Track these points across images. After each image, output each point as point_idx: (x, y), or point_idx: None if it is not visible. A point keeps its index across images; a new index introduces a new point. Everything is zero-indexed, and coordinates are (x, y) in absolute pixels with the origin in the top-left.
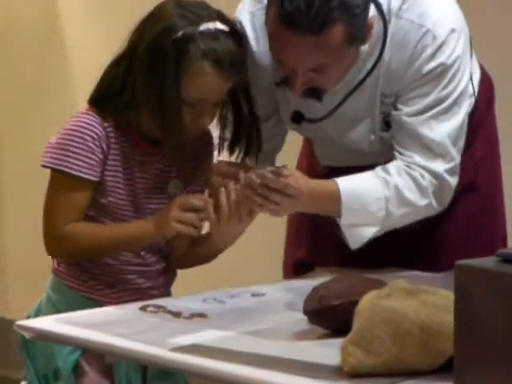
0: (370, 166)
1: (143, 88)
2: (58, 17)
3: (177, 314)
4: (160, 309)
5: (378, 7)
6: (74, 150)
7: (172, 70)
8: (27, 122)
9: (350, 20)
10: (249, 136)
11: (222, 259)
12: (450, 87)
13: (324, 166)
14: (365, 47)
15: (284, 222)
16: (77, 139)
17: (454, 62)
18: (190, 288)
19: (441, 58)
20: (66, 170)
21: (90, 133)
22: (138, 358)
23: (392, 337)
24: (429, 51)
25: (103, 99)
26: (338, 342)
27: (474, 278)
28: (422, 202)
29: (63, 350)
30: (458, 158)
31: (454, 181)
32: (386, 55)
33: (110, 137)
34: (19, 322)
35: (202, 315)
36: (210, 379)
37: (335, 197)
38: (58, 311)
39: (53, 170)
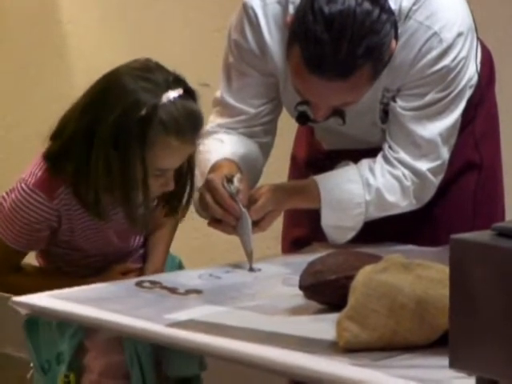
0: (372, 150)
1: (106, 164)
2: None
3: (172, 290)
4: (156, 284)
5: (391, 11)
6: (18, 228)
7: (137, 147)
8: (23, 98)
9: (375, 61)
10: (182, 193)
11: (220, 235)
12: (449, 89)
13: (327, 150)
14: None
15: None
16: (23, 220)
17: (458, 64)
18: (187, 263)
19: (445, 61)
20: (7, 243)
21: (35, 215)
22: (133, 334)
23: (387, 311)
24: (434, 54)
25: (60, 161)
26: (333, 316)
27: (469, 252)
28: (403, 202)
29: (65, 333)
30: (446, 157)
31: (437, 180)
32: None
33: (63, 204)
34: (15, 298)
35: (198, 291)
36: (205, 354)
37: (315, 201)
38: None
39: None
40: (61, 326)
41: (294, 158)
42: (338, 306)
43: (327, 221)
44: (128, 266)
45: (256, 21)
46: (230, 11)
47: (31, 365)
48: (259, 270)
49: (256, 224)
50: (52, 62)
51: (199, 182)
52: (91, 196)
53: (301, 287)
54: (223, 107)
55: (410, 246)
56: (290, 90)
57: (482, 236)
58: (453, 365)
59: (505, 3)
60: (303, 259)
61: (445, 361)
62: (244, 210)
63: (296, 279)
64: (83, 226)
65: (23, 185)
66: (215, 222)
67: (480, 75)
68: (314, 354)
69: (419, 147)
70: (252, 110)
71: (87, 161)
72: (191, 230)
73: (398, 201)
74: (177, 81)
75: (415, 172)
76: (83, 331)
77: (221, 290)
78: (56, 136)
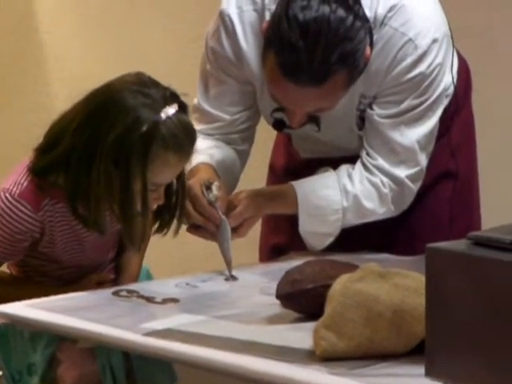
0: (350, 158)
1: (106, 180)
2: (32, 3)
3: (150, 299)
4: (133, 293)
5: (366, 18)
6: (1, 238)
7: (138, 163)
8: (1, 107)
9: (350, 67)
10: (174, 208)
11: (196, 244)
12: (426, 95)
13: (304, 158)
14: None
15: None
16: (6, 230)
17: (433, 70)
18: (164, 272)
19: (420, 68)
20: None
21: (18, 226)
22: (110, 343)
23: (364, 320)
24: (409, 60)
25: (49, 174)
26: (310, 325)
27: (445, 260)
28: (381, 209)
29: (38, 344)
30: (424, 163)
31: (415, 187)
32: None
33: (47, 216)
34: None
35: (175, 300)
36: (183, 364)
37: (293, 207)
38: None
39: None
40: (33, 337)
41: (272, 167)
42: (315, 315)
43: (305, 227)
44: (103, 275)
45: (232, 28)
46: (208, 21)
47: (0, 373)
48: (236, 278)
49: (234, 230)
50: (30, 71)
51: None
52: (91, 210)
53: (278, 296)
54: (200, 114)
55: (386, 255)
56: (267, 97)
57: (458, 245)
58: (429, 373)
59: (481, 13)
60: (280, 268)
61: (421, 369)
62: (223, 217)
63: (273, 288)
64: (64, 238)
65: (7, 195)
66: (194, 228)
67: (456, 85)
68: (291, 362)
69: (397, 154)
70: (229, 117)
71: (87, 176)
72: (167, 239)
73: (376, 208)
74: (172, 96)
75: (393, 179)
76: (56, 342)
77: (198, 299)
78: (46, 150)
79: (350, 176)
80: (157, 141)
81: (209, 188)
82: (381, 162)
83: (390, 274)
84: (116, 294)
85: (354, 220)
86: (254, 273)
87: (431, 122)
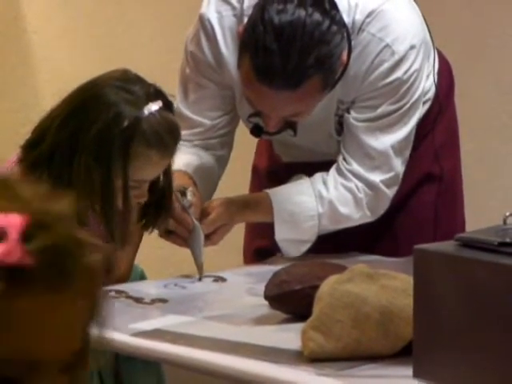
0: (330, 162)
1: (87, 175)
2: (20, 3)
3: (138, 300)
4: (121, 294)
5: (343, 23)
6: None
7: (119, 158)
8: None
9: (326, 72)
10: (159, 206)
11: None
12: (402, 101)
13: (286, 162)
14: None
15: None
16: None
17: (410, 76)
18: (153, 273)
19: (397, 74)
20: None
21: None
22: (99, 343)
23: (352, 321)
24: (386, 66)
25: (35, 169)
26: (298, 326)
27: (433, 262)
28: (357, 214)
29: None
30: (400, 169)
31: (390, 192)
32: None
33: None
34: None
35: (163, 300)
36: (171, 364)
37: (268, 215)
38: None
39: None
40: None
41: (255, 169)
42: (302, 316)
43: (280, 234)
44: None
45: (212, 33)
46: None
47: None
48: (224, 279)
49: (207, 237)
50: (18, 71)
51: None
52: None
53: (266, 297)
54: (179, 119)
55: (374, 257)
56: (245, 101)
57: (446, 246)
58: (416, 375)
59: (464, 15)
60: (268, 269)
61: (409, 371)
62: (196, 222)
63: (261, 289)
64: None
65: None
66: (166, 233)
67: (438, 87)
68: (279, 363)
69: (372, 159)
70: (208, 122)
71: (68, 172)
72: (156, 240)
73: (352, 213)
74: (156, 93)
75: (368, 184)
76: None
77: (186, 300)
78: (32, 146)
79: (324, 182)
80: (138, 137)
81: (183, 194)
82: (355, 166)
83: (378, 275)
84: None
85: (330, 226)
86: (242, 274)
87: (406, 128)
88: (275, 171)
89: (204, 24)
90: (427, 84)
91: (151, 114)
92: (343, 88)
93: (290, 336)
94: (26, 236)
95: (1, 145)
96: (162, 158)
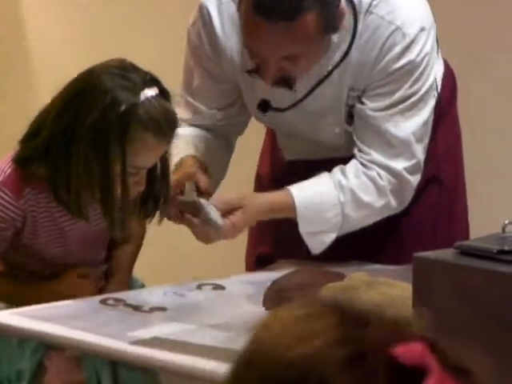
0: (334, 160)
1: (85, 163)
2: (19, 9)
3: (137, 308)
4: (120, 302)
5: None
6: None
7: (117, 145)
8: None
9: (322, 8)
10: (157, 195)
11: (184, 253)
12: (417, 85)
13: (288, 161)
14: (334, 38)
15: None
16: None
17: (423, 59)
18: (151, 281)
19: (409, 56)
20: None
21: (2, 214)
22: (97, 351)
23: None
24: (397, 49)
25: (31, 163)
26: None
27: (432, 270)
28: (380, 202)
29: (26, 350)
30: (421, 156)
31: (414, 179)
32: (355, 50)
33: (29, 205)
34: None
35: (162, 308)
36: (169, 372)
37: (290, 209)
38: None
39: None
40: (21, 343)
41: (258, 177)
42: None
43: (305, 227)
44: (84, 269)
45: (209, 19)
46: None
47: None
48: (223, 287)
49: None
50: (16, 76)
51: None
52: (72, 196)
53: (265, 305)
54: (185, 104)
55: (375, 265)
56: (250, 85)
57: (445, 254)
58: None
59: (469, 22)
60: (267, 277)
61: None
62: (202, 201)
63: (260, 297)
64: (46, 229)
65: None
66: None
67: (440, 92)
68: None
69: (393, 147)
70: (211, 110)
71: (66, 161)
72: (155, 248)
73: (375, 201)
74: (153, 80)
75: (391, 172)
76: (43, 349)
77: (185, 308)
78: (29, 139)
79: (343, 172)
80: (135, 122)
81: (181, 192)
82: (376, 156)
83: (377, 283)
84: (103, 302)
85: (353, 214)
86: (241, 282)
87: (425, 113)
88: (277, 176)
89: (202, 12)
90: (434, 85)
91: (147, 99)
92: (354, 74)
93: None
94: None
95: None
96: (159, 143)
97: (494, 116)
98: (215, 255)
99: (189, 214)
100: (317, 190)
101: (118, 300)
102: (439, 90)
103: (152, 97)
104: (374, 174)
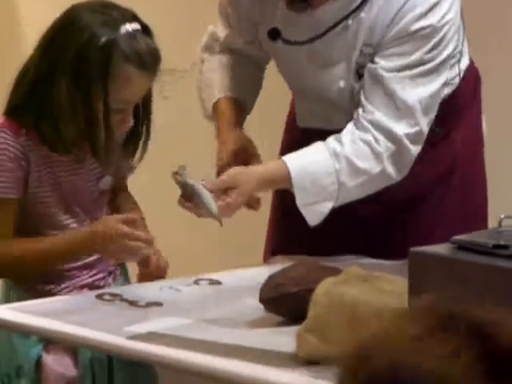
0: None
1: (69, 99)
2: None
3: (133, 303)
4: (116, 297)
5: None
6: None
7: (99, 79)
8: None
9: None
10: (138, 136)
11: (180, 247)
12: (434, 52)
13: (302, 130)
14: None
15: (243, 212)
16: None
17: (443, 26)
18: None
19: (431, 19)
20: None
21: (6, 153)
22: (94, 346)
23: (347, 323)
24: (419, 10)
25: (20, 110)
26: (293, 329)
27: (428, 264)
28: (376, 168)
29: (25, 345)
30: (425, 127)
31: (414, 149)
32: (375, 6)
33: (30, 150)
34: None
35: (158, 303)
36: (166, 367)
37: (286, 179)
38: None
39: None
40: (20, 338)
41: (281, 153)
42: (298, 319)
43: (302, 199)
44: (128, 215)
45: None
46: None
47: None
48: (219, 282)
49: (219, 198)
50: (11, 64)
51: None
52: (58, 133)
53: (261, 300)
54: (222, 18)
55: (370, 259)
56: (266, 13)
57: (441, 249)
58: None
59: (498, 25)
60: (263, 272)
61: None
62: (197, 185)
63: (256, 292)
64: (48, 180)
65: None
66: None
67: (462, 84)
68: (274, 366)
69: (398, 109)
70: (243, 39)
71: (50, 99)
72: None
73: (371, 167)
74: (134, 17)
75: (390, 136)
76: (43, 344)
77: (181, 303)
78: (16, 86)
79: (338, 139)
80: (116, 54)
81: (178, 173)
82: (378, 115)
83: (372, 277)
84: (99, 297)
85: (350, 182)
86: (237, 277)
87: (435, 85)
88: (294, 148)
89: None
90: (451, 58)
91: (129, 33)
92: (370, 29)
93: (285, 339)
94: None
95: None
96: (142, 76)
97: (492, 115)
98: (211, 250)
99: (184, 195)
100: (312, 160)
101: (114, 295)
102: (462, 77)
103: (134, 31)
104: (370, 138)
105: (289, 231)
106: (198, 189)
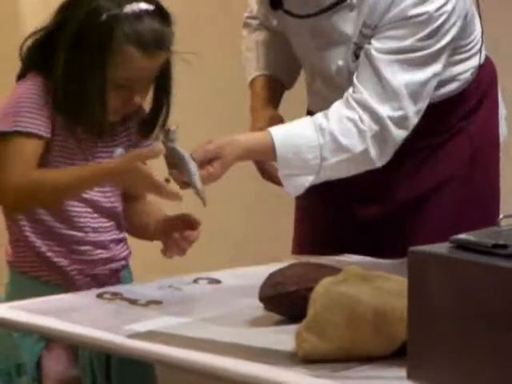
0: None
1: (65, 68)
2: (17, 3)
3: (133, 301)
4: (116, 296)
5: None
6: (26, 109)
7: (97, 53)
8: None
9: None
10: (157, 114)
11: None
12: (428, 41)
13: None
14: None
15: (242, 212)
16: (25, 99)
17: (440, 16)
18: (148, 274)
19: (428, 7)
20: (19, 129)
21: (33, 91)
22: (93, 345)
23: (346, 322)
24: None
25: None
26: (293, 328)
27: (428, 263)
28: (359, 147)
29: (25, 344)
30: (410, 114)
31: (398, 133)
32: None
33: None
34: None
35: (158, 302)
36: (165, 365)
37: (270, 149)
38: None
39: (5, 133)
40: (21, 336)
41: None
42: (297, 318)
43: (284, 169)
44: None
45: None
46: None
47: None
48: (219, 281)
49: (203, 169)
50: (14, 71)
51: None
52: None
53: (261, 299)
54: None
55: (369, 259)
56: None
57: (440, 248)
58: (411, 376)
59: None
60: (263, 271)
61: (403, 372)
62: (184, 153)
63: (256, 291)
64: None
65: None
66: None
67: (480, 78)
68: (273, 364)
69: (384, 91)
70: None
71: (47, 70)
72: (154, 244)
73: (354, 144)
74: None
75: (374, 117)
76: (44, 341)
77: (181, 302)
78: (27, 55)
79: (325, 115)
80: (118, 31)
81: (167, 134)
82: (365, 95)
83: (372, 276)
84: (100, 296)
85: (331, 158)
86: (236, 276)
87: (423, 74)
88: None
89: None
90: (461, 67)
91: (135, 13)
92: (370, 10)
93: (284, 337)
94: None
95: None
96: (141, 58)
97: None
98: (208, 248)
99: (168, 162)
100: (297, 132)
101: (114, 294)
102: (477, 74)
103: (141, 11)
104: (356, 116)
105: (302, 232)
106: (186, 158)
